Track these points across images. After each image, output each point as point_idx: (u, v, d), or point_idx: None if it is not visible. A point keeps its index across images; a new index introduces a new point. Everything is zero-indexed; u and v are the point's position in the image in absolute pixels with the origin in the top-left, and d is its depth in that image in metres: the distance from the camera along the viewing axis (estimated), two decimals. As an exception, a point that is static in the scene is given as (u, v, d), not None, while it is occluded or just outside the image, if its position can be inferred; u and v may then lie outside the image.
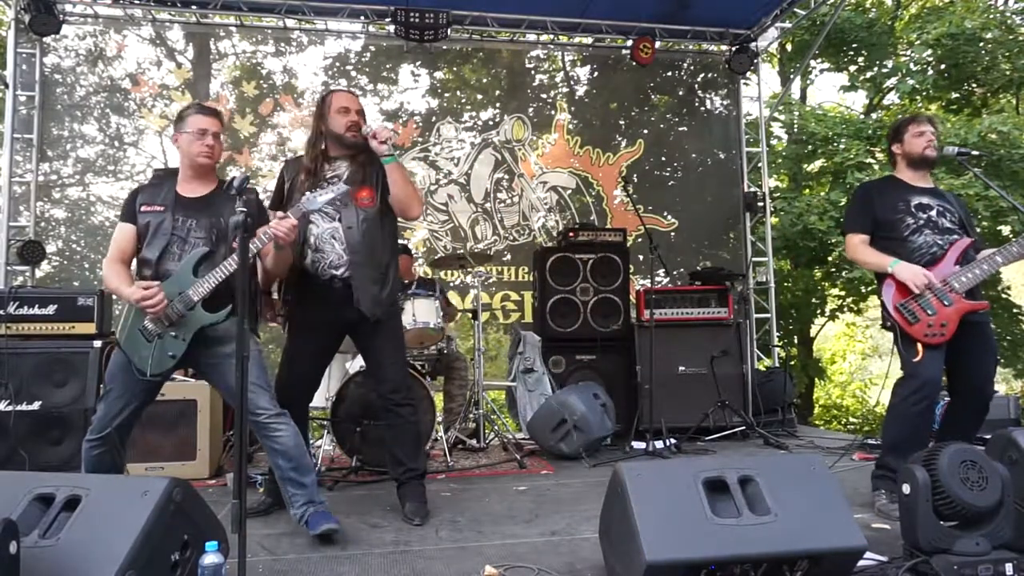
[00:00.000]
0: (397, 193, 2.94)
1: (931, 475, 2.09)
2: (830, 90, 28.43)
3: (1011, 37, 9.64)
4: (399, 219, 3.11)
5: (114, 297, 5.31)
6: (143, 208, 2.71)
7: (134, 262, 2.76)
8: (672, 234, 6.76)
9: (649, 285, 5.21)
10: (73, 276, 5.88)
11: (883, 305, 3.01)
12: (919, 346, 2.88)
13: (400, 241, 5.06)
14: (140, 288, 2.56)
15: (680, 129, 7.07)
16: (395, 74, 6.67)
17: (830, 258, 9.69)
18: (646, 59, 6.43)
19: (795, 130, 10.29)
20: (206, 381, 2.90)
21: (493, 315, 6.33)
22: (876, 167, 8.79)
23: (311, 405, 3.36)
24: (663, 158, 6.99)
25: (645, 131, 6.88)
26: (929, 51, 9.45)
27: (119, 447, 2.65)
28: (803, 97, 11.55)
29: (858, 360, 16.89)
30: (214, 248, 2.66)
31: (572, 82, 7.16)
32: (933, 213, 3.04)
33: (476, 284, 4.90)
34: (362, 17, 6.14)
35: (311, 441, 3.78)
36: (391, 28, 6.04)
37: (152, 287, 2.56)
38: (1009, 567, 2.02)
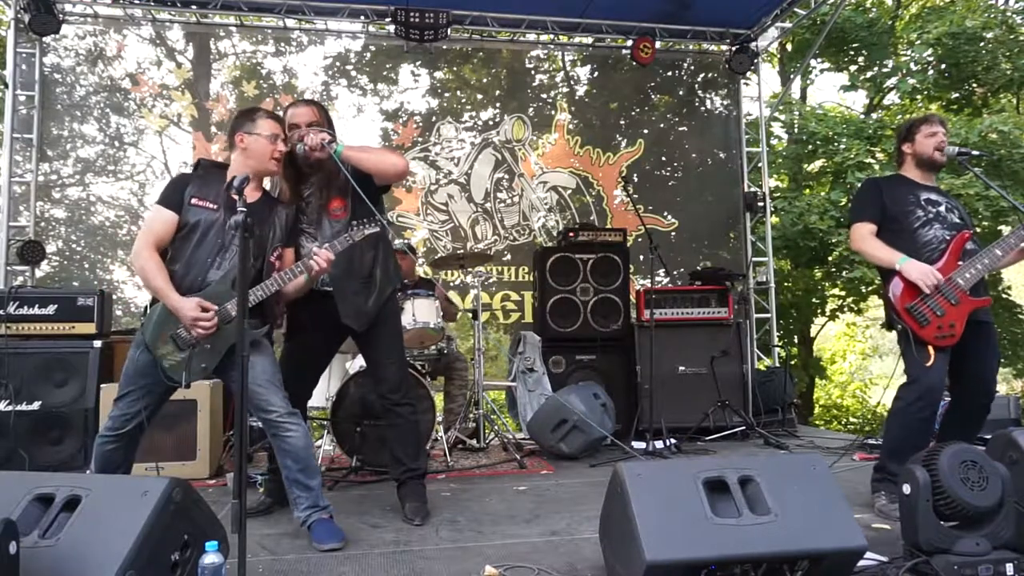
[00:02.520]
0: (367, 168, 2.82)
1: (931, 475, 2.09)
2: (830, 90, 28.45)
3: (1012, 36, 9.64)
4: (397, 183, 2.95)
5: (117, 294, 5.34)
6: (194, 201, 2.60)
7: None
8: (672, 234, 6.76)
9: (649, 285, 5.21)
10: (73, 276, 5.87)
11: (890, 306, 2.94)
12: (930, 349, 2.81)
13: (399, 241, 5.05)
14: (197, 307, 2.48)
15: (680, 129, 7.07)
16: (395, 74, 6.67)
17: (830, 258, 9.69)
18: (646, 59, 6.43)
19: (795, 130, 10.29)
20: (221, 380, 2.86)
21: (493, 315, 6.33)
22: (876, 167, 8.80)
23: (311, 405, 3.36)
24: (663, 158, 6.99)
25: (645, 131, 6.88)
26: (929, 51, 9.46)
27: (133, 445, 2.63)
28: (803, 97, 11.55)
29: (858, 360, 16.89)
30: (253, 260, 2.57)
31: (572, 82, 7.16)
32: (942, 208, 3.01)
33: (476, 284, 4.90)
34: (362, 17, 6.14)
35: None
36: (391, 28, 6.04)
37: (211, 311, 2.49)
38: (1010, 567, 2.02)
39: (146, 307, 2.65)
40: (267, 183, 2.94)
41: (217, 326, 2.52)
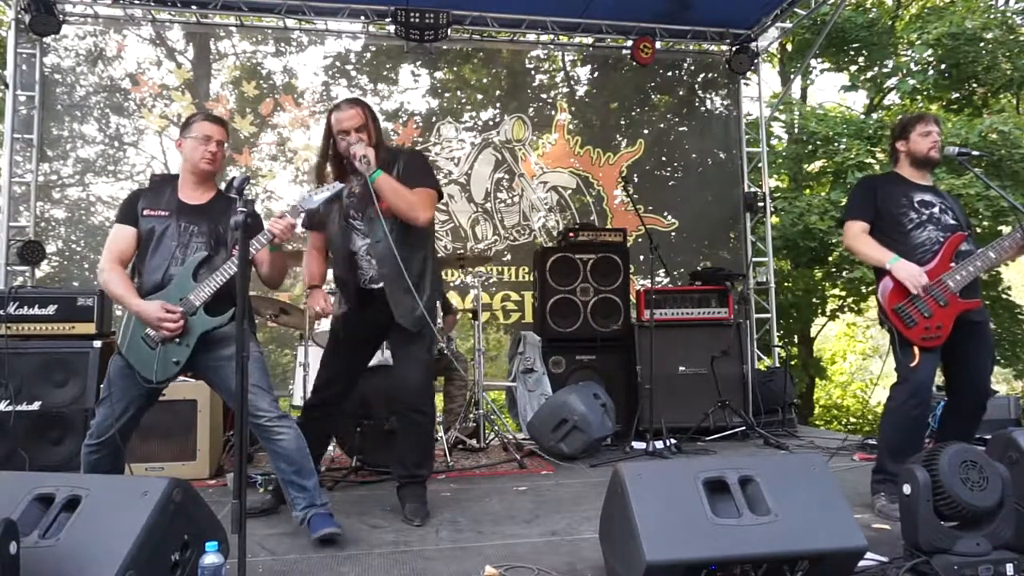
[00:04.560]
0: (392, 206, 2.87)
1: (932, 475, 2.09)
2: (831, 90, 28.45)
3: (1012, 37, 9.63)
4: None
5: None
6: (146, 212, 2.69)
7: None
8: (672, 234, 6.76)
9: (649, 285, 5.21)
10: (73, 276, 5.88)
11: (880, 306, 2.97)
12: (915, 350, 2.84)
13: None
14: (161, 308, 2.54)
15: (680, 129, 7.07)
16: (395, 74, 6.67)
17: (830, 258, 9.70)
18: (646, 59, 6.43)
19: (795, 130, 10.29)
20: (206, 383, 2.89)
21: (493, 315, 6.33)
22: (876, 167, 8.79)
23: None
24: (663, 158, 6.99)
25: (645, 131, 6.88)
26: (930, 51, 9.45)
27: (119, 451, 2.64)
28: (803, 97, 11.55)
29: (858, 360, 16.89)
30: (213, 253, 2.67)
31: (572, 82, 7.16)
32: (936, 210, 3.00)
33: (476, 284, 4.90)
34: (362, 17, 6.14)
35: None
36: (391, 28, 6.04)
37: (176, 311, 2.54)
38: (1010, 567, 2.02)
39: (123, 317, 2.71)
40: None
41: (184, 321, 2.57)
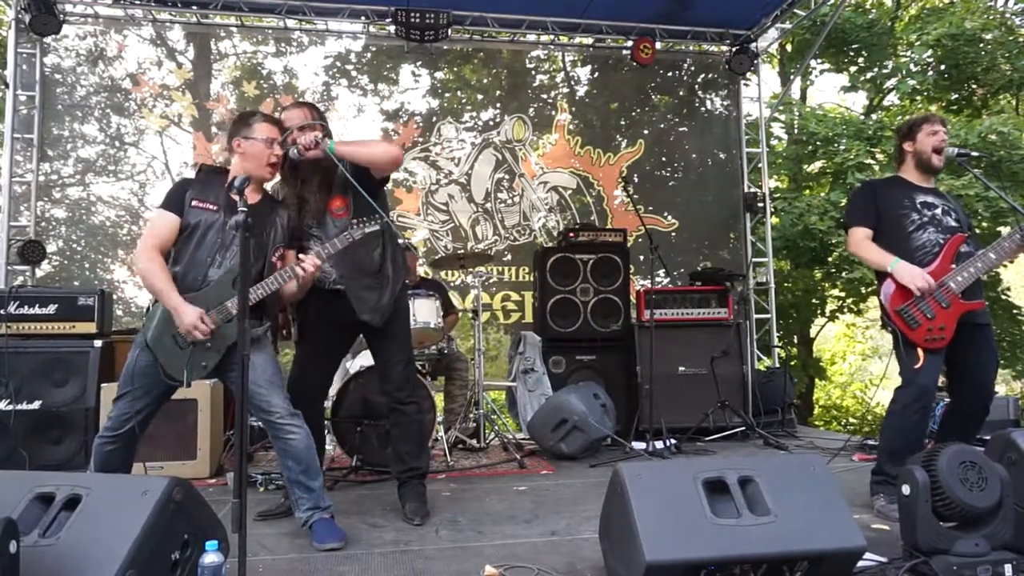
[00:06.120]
0: (360, 160, 2.81)
1: (931, 476, 2.09)
2: (830, 90, 28.43)
3: (1011, 38, 9.64)
4: (394, 172, 2.87)
5: (118, 294, 5.33)
6: (194, 203, 2.62)
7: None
8: (672, 234, 6.76)
9: (649, 285, 5.21)
10: (73, 276, 5.88)
11: (882, 308, 2.98)
12: (919, 352, 2.84)
13: (401, 241, 5.04)
14: (199, 318, 2.49)
15: (680, 129, 7.07)
16: (396, 74, 6.68)
17: (830, 258, 9.70)
18: (646, 59, 6.43)
19: (795, 130, 10.29)
20: (221, 381, 2.86)
21: (493, 315, 6.33)
22: (876, 168, 8.80)
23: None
24: (663, 158, 6.99)
25: (645, 131, 6.88)
26: (929, 52, 9.46)
27: (134, 445, 2.63)
28: (803, 97, 11.55)
29: (858, 361, 16.89)
30: (254, 260, 2.59)
31: (572, 82, 7.17)
32: (938, 211, 3.01)
33: (476, 284, 4.91)
34: (362, 17, 6.14)
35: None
36: (391, 28, 6.04)
37: (209, 324, 2.50)
38: (1008, 568, 2.02)
39: (147, 307, 2.67)
40: (267, 185, 2.95)
41: (217, 326, 2.54)
